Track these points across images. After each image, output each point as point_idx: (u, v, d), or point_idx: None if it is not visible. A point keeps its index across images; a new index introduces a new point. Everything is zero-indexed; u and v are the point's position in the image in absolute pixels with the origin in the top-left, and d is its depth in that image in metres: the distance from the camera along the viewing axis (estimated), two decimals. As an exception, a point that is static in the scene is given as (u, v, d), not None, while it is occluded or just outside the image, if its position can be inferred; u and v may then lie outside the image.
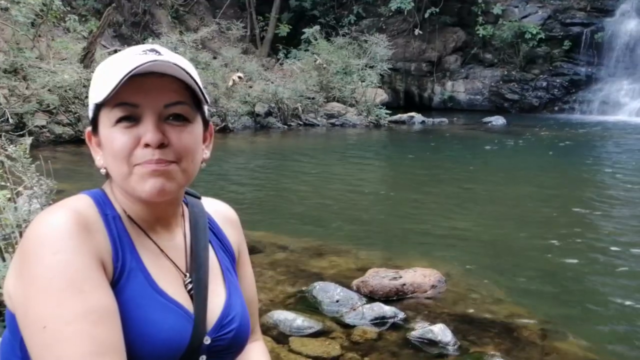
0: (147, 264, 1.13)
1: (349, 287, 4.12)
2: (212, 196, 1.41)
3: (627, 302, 4.29)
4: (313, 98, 16.72)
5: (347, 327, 3.61)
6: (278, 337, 3.43)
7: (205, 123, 1.20)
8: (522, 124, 17.62)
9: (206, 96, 1.15)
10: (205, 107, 1.20)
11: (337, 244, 5.43)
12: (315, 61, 17.79)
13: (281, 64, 19.62)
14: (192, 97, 1.14)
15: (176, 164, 1.11)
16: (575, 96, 21.61)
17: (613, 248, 5.63)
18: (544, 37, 21.67)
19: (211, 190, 7.12)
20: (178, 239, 1.23)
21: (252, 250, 4.95)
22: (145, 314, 1.07)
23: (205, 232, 1.26)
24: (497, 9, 22.44)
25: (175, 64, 1.09)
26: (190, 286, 1.18)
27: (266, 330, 3.41)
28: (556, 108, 21.76)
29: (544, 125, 17.31)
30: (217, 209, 1.37)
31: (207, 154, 1.21)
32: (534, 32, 21.57)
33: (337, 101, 17.40)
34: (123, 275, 1.08)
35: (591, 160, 11.74)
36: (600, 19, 21.71)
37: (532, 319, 3.88)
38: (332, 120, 16.72)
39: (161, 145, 1.09)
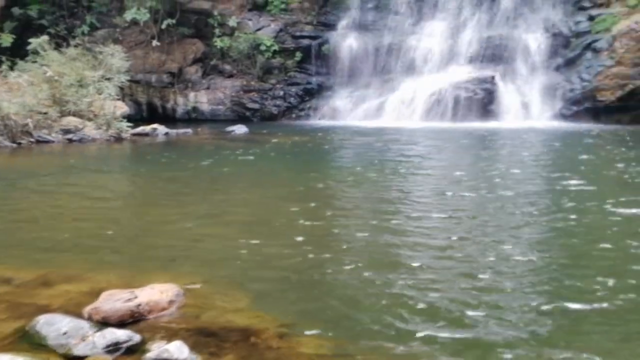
0: None
1: (81, 316, 3.87)
2: None
3: (366, 298, 4.50)
4: (46, 113, 15.66)
5: (77, 360, 3.38)
6: (-7, 384, 3.09)
7: None
8: (262, 132, 18.42)
9: None
10: None
11: (70, 269, 5.05)
12: (45, 73, 16.58)
13: (5, 77, 17.84)
14: None
15: None
16: (310, 104, 23.24)
17: (353, 243, 6.00)
18: (277, 49, 22.97)
19: None
20: None
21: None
22: None
23: None
24: (232, 22, 23.12)
25: None
26: None
27: (-22, 378, 3.04)
28: (293, 115, 23.16)
29: (282, 132, 18.31)
30: None
31: None
32: (268, 44, 22.71)
33: (74, 115, 16.46)
34: None
35: (326, 160, 12.70)
36: (326, 32, 23.71)
37: (272, 323, 3.97)
38: (69, 136, 15.81)
39: None
